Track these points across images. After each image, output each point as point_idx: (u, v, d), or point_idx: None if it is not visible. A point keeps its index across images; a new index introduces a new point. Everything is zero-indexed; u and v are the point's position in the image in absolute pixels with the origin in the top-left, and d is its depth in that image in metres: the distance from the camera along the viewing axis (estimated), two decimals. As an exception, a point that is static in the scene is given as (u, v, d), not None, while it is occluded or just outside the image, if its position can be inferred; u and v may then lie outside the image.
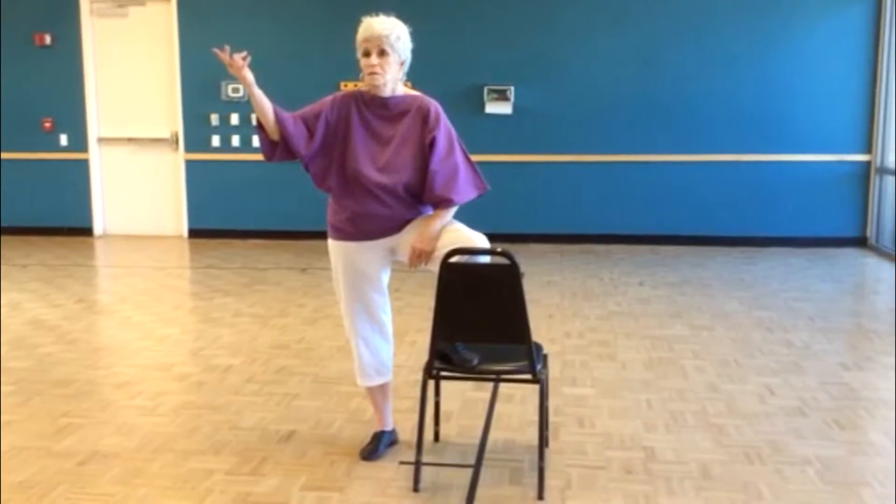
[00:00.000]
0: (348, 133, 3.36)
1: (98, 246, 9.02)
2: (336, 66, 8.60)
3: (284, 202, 8.85)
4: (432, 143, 3.32)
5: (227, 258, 8.17)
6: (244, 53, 3.23)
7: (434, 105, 3.40)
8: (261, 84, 3.28)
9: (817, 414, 4.06)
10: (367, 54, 3.28)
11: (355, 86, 3.48)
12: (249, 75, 3.23)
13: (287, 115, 3.34)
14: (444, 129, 3.36)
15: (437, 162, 3.31)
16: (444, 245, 3.23)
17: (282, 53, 8.70)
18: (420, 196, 3.39)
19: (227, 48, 3.23)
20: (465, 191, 3.37)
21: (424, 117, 3.36)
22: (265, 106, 3.30)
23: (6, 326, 5.70)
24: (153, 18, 9.14)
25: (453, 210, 3.38)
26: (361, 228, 3.39)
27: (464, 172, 3.36)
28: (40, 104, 9.28)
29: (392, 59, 3.29)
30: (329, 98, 3.43)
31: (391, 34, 3.27)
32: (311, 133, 3.35)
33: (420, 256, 3.33)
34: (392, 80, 3.34)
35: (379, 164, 3.33)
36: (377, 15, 3.31)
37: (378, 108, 3.39)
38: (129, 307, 6.28)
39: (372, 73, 3.28)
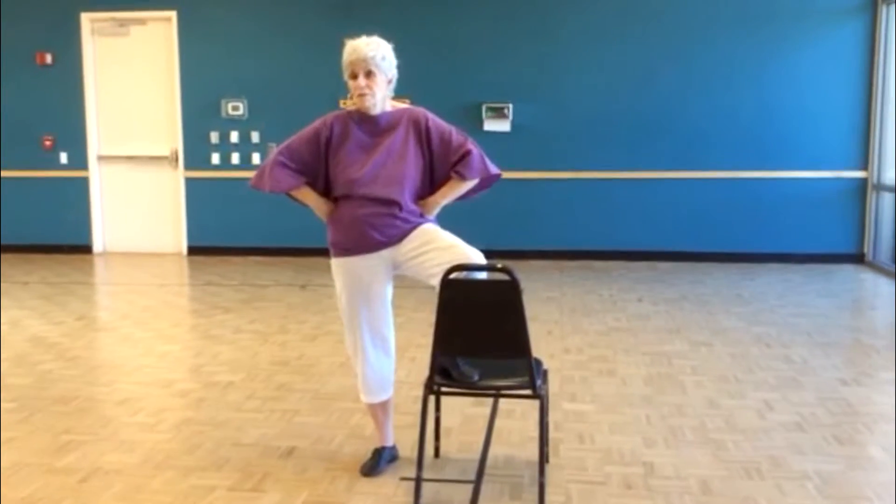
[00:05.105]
0: (340, 149, 3.43)
1: (98, 263, 9.04)
2: (337, 85, 8.51)
3: (284, 219, 8.81)
4: (432, 137, 3.44)
5: (226, 275, 8.18)
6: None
7: (423, 111, 3.51)
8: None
9: (816, 429, 4.07)
10: (354, 76, 3.37)
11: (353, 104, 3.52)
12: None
13: (295, 179, 3.46)
14: (443, 125, 3.50)
15: (440, 145, 3.45)
16: (445, 262, 3.25)
17: (282, 72, 8.73)
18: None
19: None
20: (476, 169, 3.46)
21: (416, 122, 3.46)
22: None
23: (7, 343, 5.72)
24: (154, 37, 9.20)
25: (462, 187, 3.47)
26: (358, 240, 3.42)
27: (476, 155, 3.46)
28: (41, 122, 9.32)
29: (380, 79, 3.37)
30: (319, 121, 3.50)
31: (377, 55, 3.35)
32: (305, 162, 3.45)
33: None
34: (381, 98, 3.42)
35: (371, 173, 3.38)
36: (359, 36, 3.41)
37: (368, 125, 3.46)
38: (129, 324, 6.29)
39: (361, 95, 3.36)
